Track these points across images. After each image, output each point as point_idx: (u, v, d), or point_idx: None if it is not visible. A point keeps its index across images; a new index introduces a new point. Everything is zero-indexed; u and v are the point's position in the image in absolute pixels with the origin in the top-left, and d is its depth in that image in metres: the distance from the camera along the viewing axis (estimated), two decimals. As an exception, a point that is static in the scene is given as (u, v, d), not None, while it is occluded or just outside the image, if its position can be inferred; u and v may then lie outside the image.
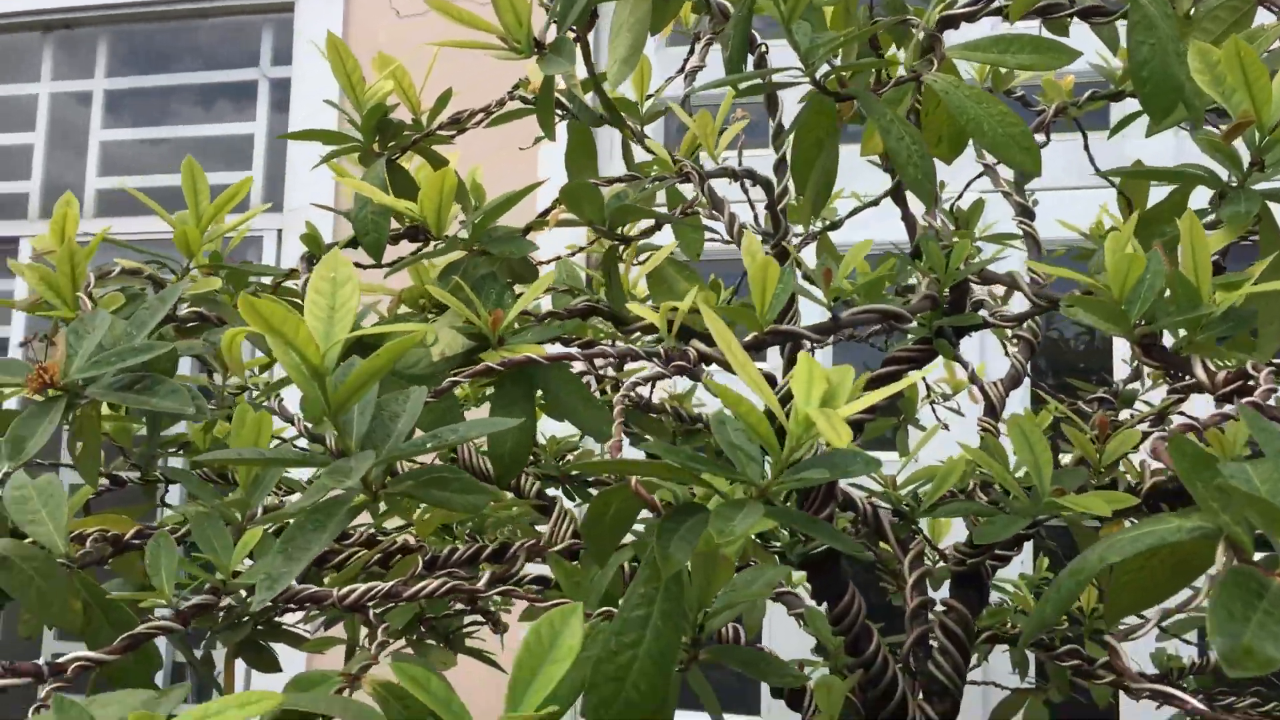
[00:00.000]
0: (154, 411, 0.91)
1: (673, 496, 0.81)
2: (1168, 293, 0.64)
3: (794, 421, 0.54)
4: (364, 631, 1.45)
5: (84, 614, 0.75)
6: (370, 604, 0.74)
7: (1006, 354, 1.19)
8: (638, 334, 0.90)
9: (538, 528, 1.20)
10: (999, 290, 1.19)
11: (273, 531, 0.78)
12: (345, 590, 0.74)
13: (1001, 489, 0.93)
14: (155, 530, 0.93)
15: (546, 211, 0.87)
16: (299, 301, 1.07)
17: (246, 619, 1.43)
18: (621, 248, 0.84)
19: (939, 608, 1.19)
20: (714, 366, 0.76)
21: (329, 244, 1.25)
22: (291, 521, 0.57)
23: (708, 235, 1.30)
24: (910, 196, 1.06)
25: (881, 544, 1.26)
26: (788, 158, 0.97)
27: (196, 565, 0.78)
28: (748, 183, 0.99)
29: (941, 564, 1.31)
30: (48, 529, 0.80)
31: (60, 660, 0.64)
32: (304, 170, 2.61)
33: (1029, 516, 0.81)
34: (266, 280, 1.18)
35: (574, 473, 1.06)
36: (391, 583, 0.74)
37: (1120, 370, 2.43)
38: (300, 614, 1.39)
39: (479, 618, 1.56)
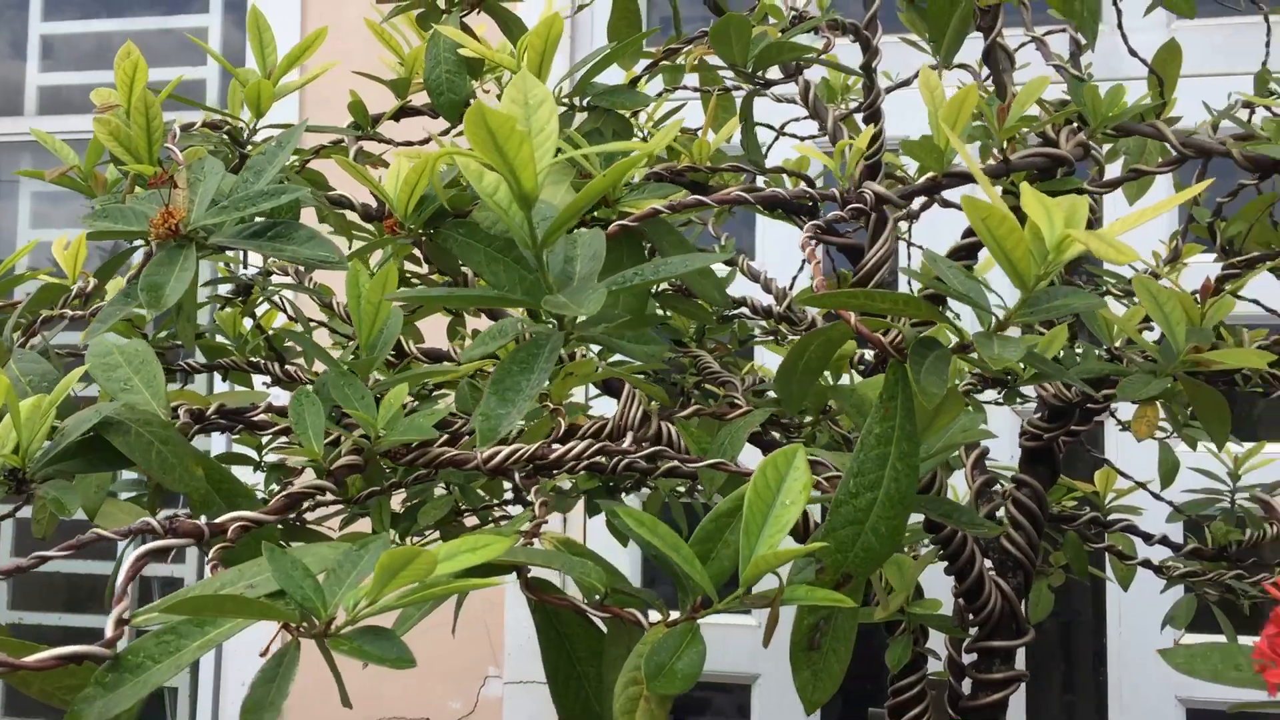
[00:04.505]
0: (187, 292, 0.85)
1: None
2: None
3: (1049, 244, 0.51)
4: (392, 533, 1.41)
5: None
6: (514, 467, 0.70)
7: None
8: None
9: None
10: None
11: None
12: (489, 453, 0.69)
13: (1109, 353, 0.92)
14: (242, 409, 0.87)
15: (669, 54, 0.81)
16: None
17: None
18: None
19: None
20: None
21: (374, 115, 1.19)
22: (495, 366, 0.53)
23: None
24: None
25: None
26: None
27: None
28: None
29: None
30: (144, 396, 0.75)
31: (219, 521, 0.59)
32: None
33: (1166, 375, 0.80)
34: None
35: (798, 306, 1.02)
36: (536, 445, 0.70)
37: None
38: (322, 511, 1.35)
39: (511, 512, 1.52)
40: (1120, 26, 1.33)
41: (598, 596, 0.59)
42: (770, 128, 1.38)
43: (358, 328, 0.73)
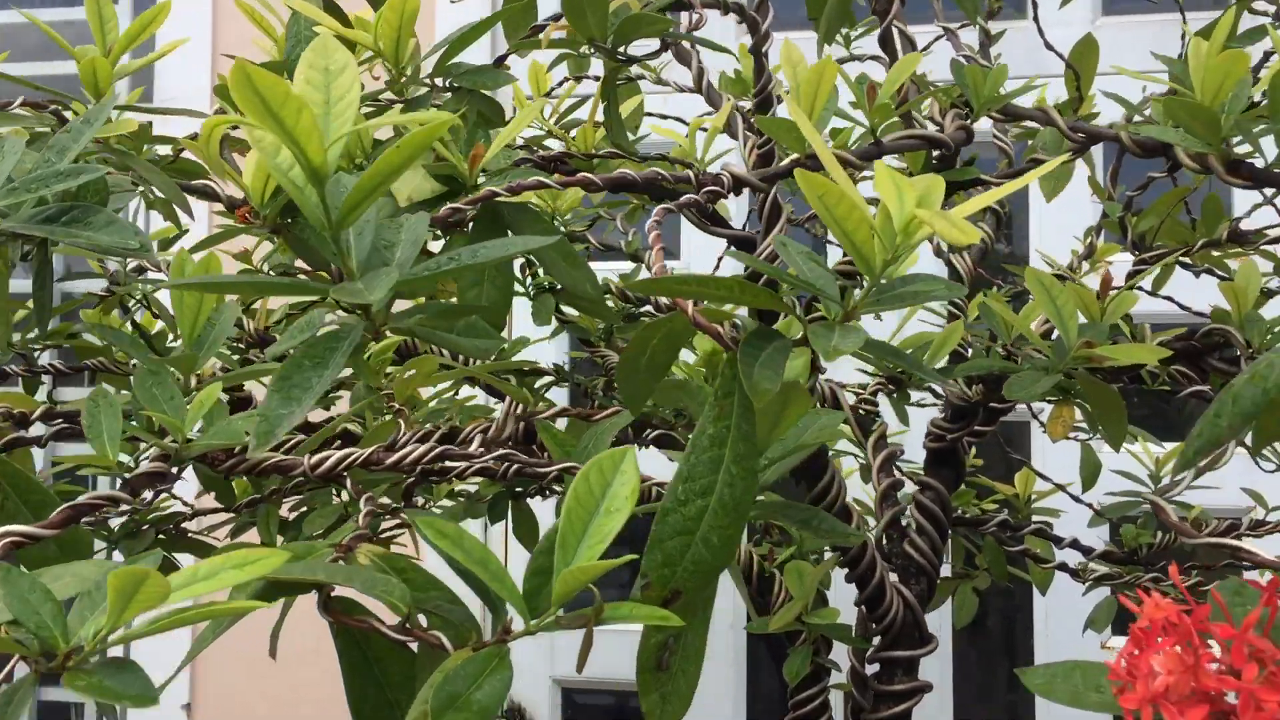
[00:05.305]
0: (45, 284, 0.79)
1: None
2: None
3: (898, 225, 0.46)
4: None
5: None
6: (345, 473, 0.64)
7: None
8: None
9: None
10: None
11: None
12: (318, 458, 0.64)
13: (1004, 349, 0.87)
14: (65, 412, 0.81)
15: (537, 30, 0.76)
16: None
17: (147, 526, 1.31)
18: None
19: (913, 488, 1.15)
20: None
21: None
22: (285, 359, 0.48)
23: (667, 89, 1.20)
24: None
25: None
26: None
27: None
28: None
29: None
30: (-55, 400, 0.68)
31: (-12, 537, 0.52)
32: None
33: (1057, 372, 0.75)
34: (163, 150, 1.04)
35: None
36: (371, 449, 0.64)
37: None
38: (209, 519, 1.28)
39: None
40: (1036, 20, 1.30)
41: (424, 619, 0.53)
42: (682, 121, 1.33)
43: (179, 320, 0.67)
